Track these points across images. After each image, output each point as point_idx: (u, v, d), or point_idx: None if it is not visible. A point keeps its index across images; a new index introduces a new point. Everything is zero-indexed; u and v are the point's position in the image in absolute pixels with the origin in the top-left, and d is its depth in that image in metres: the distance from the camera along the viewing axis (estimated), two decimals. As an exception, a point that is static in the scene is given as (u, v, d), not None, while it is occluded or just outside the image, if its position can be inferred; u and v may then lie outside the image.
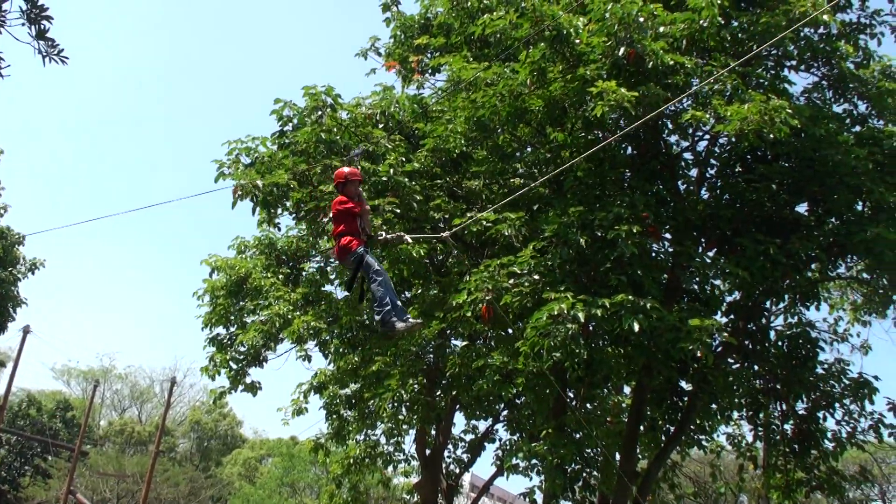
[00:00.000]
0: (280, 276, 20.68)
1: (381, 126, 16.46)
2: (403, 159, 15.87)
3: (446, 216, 15.76)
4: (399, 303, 10.28)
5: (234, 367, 20.28)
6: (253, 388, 20.53)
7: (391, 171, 15.31)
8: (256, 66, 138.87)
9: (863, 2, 16.61)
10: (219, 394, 21.03)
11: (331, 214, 11.04)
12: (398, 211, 15.20)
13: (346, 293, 13.80)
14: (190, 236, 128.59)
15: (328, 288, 20.54)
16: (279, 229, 19.23)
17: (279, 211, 16.57)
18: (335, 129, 15.84)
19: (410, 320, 10.20)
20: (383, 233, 11.37)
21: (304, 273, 21.01)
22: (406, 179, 15.50)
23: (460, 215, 15.04)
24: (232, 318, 20.70)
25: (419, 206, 15.59)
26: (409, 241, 11.33)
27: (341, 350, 19.38)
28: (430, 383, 19.33)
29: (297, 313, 19.16)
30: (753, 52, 14.13)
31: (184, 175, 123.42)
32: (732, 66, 13.42)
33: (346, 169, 11.01)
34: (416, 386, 18.94)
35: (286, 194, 15.68)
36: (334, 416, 21.21)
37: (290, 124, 16.70)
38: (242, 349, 20.23)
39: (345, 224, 10.63)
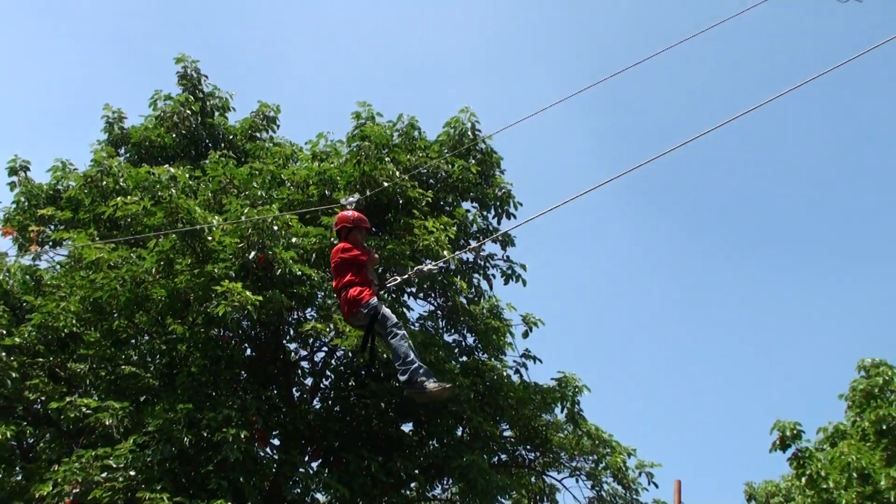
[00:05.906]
0: None
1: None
2: (4, 332, 14.72)
3: (43, 398, 14.65)
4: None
5: None
6: None
7: (-15, 342, 14.16)
8: None
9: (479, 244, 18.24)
10: None
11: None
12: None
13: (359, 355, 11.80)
14: None
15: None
16: None
17: None
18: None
19: (440, 383, 8.93)
20: (397, 276, 9.98)
21: None
22: (3, 354, 14.35)
23: (59, 398, 14.04)
24: None
25: (13, 384, 14.40)
26: (434, 269, 9.89)
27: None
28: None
29: None
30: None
31: None
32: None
33: (352, 213, 9.72)
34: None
35: None
36: None
37: None
38: None
39: (351, 273, 9.31)
